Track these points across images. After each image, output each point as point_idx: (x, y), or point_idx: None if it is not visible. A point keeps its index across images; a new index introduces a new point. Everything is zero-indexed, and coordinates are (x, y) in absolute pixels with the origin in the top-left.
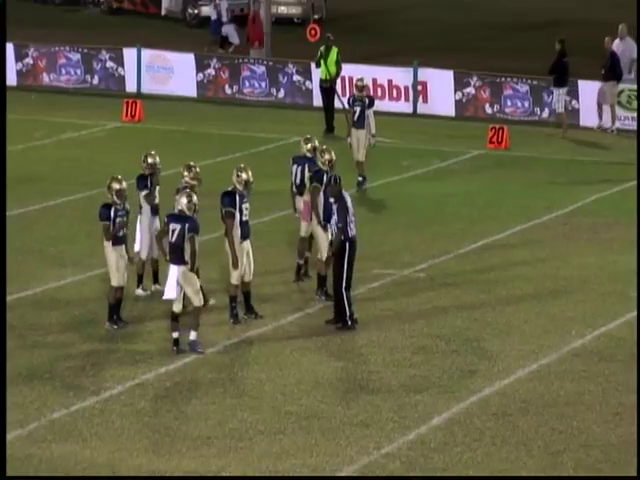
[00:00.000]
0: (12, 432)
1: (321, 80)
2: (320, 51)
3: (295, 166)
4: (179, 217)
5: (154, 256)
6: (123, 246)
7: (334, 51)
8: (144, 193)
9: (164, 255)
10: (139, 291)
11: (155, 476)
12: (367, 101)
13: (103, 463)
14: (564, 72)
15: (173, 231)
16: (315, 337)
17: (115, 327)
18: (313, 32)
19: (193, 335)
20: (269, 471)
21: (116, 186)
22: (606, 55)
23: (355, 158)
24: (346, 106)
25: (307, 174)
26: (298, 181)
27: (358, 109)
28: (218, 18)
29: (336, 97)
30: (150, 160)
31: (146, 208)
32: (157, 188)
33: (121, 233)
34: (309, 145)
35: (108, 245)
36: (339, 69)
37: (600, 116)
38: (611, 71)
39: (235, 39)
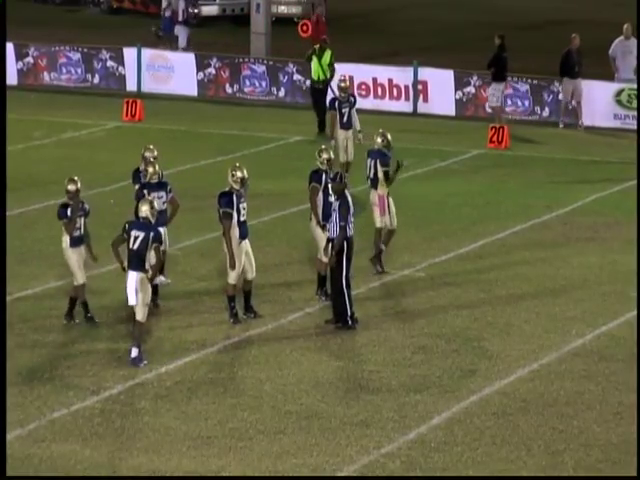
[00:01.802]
0: (12, 432)
1: (313, 81)
2: (314, 48)
3: (369, 159)
4: (142, 225)
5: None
6: (82, 246)
7: (328, 53)
8: (136, 187)
9: (119, 262)
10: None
11: (155, 476)
12: (353, 100)
13: (103, 463)
14: (503, 67)
15: (135, 238)
16: (315, 337)
17: (72, 322)
18: (305, 28)
19: (134, 352)
20: (269, 471)
21: (70, 187)
22: (573, 53)
23: (343, 159)
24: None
25: (380, 168)
26: (372, 175)
27: (346, 110)
28: (171, 16)
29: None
30: (146, 154)
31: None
32: None
33: (78, 233)
34: (383, 140)
35: (67, 247)
36: (333, 71)
37: (577, 115)
38: (565, 69)
39: (183, 42)
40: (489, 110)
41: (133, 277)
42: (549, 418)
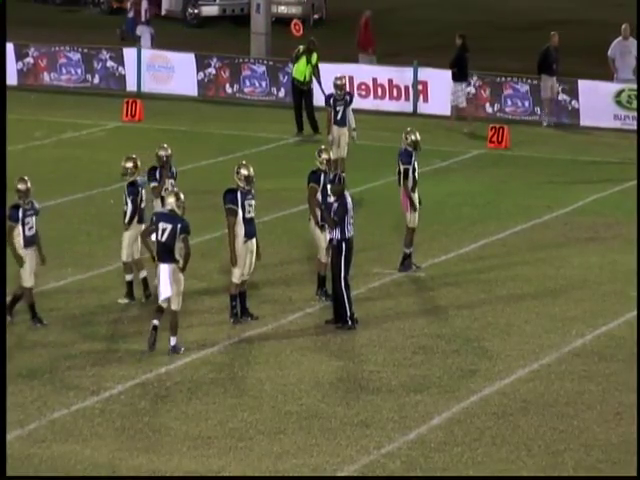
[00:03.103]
0: (12, 432)
1: (299, 82)
2: (303, 49)
3: (397, 158)
4: (170, 217)
5: None
6: (34, 246)
7: (314, 55)
8: (151, 185)
9: (150, 253)
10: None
11: (155, 476)
12: (348, 99)
13: (103, 463)
14: (464, 67)
15: (164, 230)
16: (315, 337)
17: (39, 325)
18: (297, 27)
19: (173, 341)
20: (269, 471)
21: (20, 186)
22: (552, 51)
23: (336, 156)
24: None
25: (401, 167)
26: (396, 172)
27: (341, 108)
28: (134, 17)
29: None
30: (160, 153)
31: (156, 201)
32: (171, 181)
33: (30, 233)
34: (407, 138)
35: (19, 247)
36: (318, 72)
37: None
38: (544, 66)
39: (147, 42)
40: (458, 105)
41: (165, 269)
42: (549, 418)
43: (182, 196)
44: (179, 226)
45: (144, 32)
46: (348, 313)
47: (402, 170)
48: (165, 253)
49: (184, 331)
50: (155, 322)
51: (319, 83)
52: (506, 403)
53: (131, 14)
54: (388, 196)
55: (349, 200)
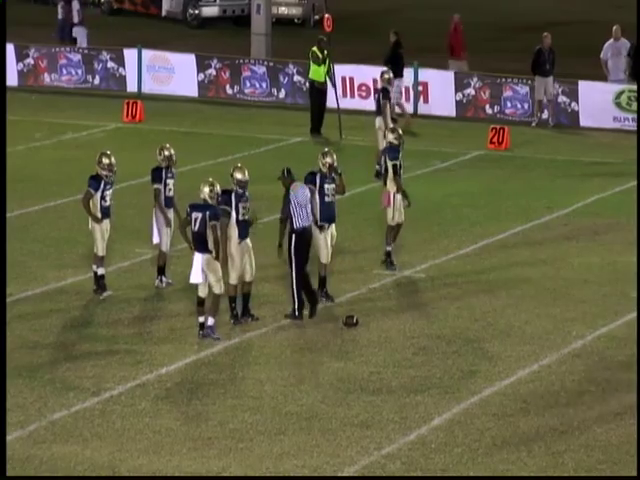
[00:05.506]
0: (12, 433)
1: (320, 83)
2: (321, 49)
3: (382, 156)
4: (201, 206)
5: (162, 249)
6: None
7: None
8: (154, 186)
9: (189, 244)
10: (157, 282)
11: (156, 476)
12: None
13: (104, 464)
14: (400, 63)
15: (195, 220)
16: (315, 338)
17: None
18: (329, 22)
19: (210, 321)
20: (270, 472)
21: (166, 152)
22: (544, 52)
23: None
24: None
25: (389, 162)
26: (383, 170)
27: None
28: (64, 18)
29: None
30: (165, 153)
31: (159, 200)
32: (172, 181)
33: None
34: (393, 132)
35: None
36: (334, 71)
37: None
38: (536, 67)
39: (84, 42)
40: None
41: (199, 259)
42: (549, 419)
43: (217, 187)
44: (207, 214)
45: (79, 33)
46: (297, 303)
47: (391, 166)
48: (199, 242)
49: (184, 332)
50: (201, 319)
51: (333, 83)
52: (506, 404)
53: (61, 16)
54: None
55: (299, 192)
